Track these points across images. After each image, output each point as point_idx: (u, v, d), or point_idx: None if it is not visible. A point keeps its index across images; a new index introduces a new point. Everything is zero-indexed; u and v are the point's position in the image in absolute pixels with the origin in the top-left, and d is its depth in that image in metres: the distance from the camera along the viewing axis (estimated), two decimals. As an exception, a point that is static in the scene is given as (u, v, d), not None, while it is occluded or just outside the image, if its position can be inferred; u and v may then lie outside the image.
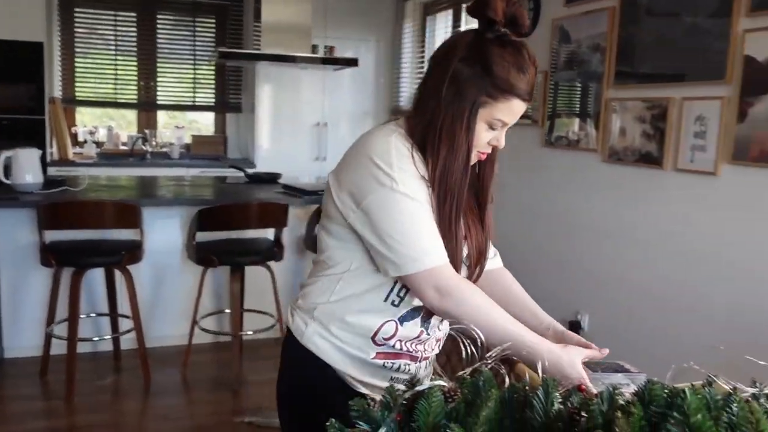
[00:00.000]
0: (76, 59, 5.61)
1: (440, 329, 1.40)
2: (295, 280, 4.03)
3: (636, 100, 3.16)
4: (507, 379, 1.22)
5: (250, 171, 4.55)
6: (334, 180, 1.29)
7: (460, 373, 1.22)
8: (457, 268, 1.28)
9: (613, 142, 3.30)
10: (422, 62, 5.52)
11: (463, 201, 1.28)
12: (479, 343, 1.29)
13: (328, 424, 1.05)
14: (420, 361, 1.39)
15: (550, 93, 3.82)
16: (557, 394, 1.08)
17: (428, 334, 1.36)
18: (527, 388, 1.13)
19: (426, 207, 1.23)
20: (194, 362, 3.60)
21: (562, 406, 1.06)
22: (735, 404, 1.07)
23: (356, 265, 1.30)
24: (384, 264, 1.24)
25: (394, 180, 1.20)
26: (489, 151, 1.30)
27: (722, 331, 2.69)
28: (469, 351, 1.29)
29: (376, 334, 1.33)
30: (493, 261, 1.48)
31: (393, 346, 1.34)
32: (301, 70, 5.44)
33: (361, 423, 1.06)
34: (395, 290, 1.31)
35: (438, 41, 5.38)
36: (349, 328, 1.32)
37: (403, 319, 1.34)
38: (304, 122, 5.68)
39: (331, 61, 4.89)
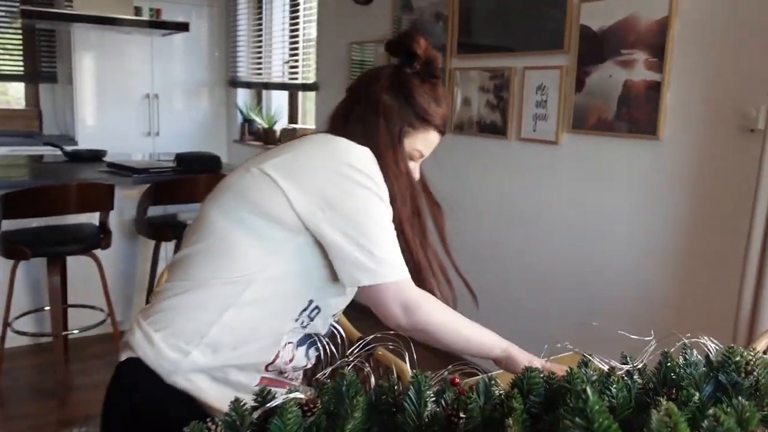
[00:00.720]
0: None
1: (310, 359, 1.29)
2: (126, 268, 3.65)
3: (479, 70, 3.15)
4: (372, 378, 1.08)
5: (69, 148, 4.04)
6: (289, 182, 1.10)
7: (318, 375, 1.06)
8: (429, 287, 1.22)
9: (457, 112, 3.28)
10: (260, 32, 5.22)
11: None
12: (339, 340, 1.15)
13: None
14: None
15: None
16: (430, 393, 0.96)
17: (308, 364, 1.26)
18: (396, 388, 0.99)
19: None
20: (8, 369, 3.14)
21: (437, 408, 0.94)
22: (614, 386, 1.02)
23: (274, 272, 1.12)
24: (353, 270, 1.11)
25: (378, 185, 1.13)
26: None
27: (567, 299, 2.78)
28: (328, 351, 1.14)
29: (275, 360, 1.18)
30: None
31: (282, 373, 1.21)
32: (125, 35, 4.94)
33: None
34: (309, 308, 1.18)
35: (276, 10, 5.10)
36: (245, 354, 1.14)
37: (299, 344, 1.21)
38: (133, 94, 5.18)
39: (158, 24, 4.46)
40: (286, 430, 0.84)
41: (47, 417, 2.76)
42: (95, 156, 3.94)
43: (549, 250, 2.86)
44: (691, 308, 2.31)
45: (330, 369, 1.13)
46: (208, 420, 0.90)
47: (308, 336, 1.22)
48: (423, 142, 1.26)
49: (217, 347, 1.13)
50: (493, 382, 1.01)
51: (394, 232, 1.14)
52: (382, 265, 1.10)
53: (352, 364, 1.03)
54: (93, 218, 3.37)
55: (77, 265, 3.28)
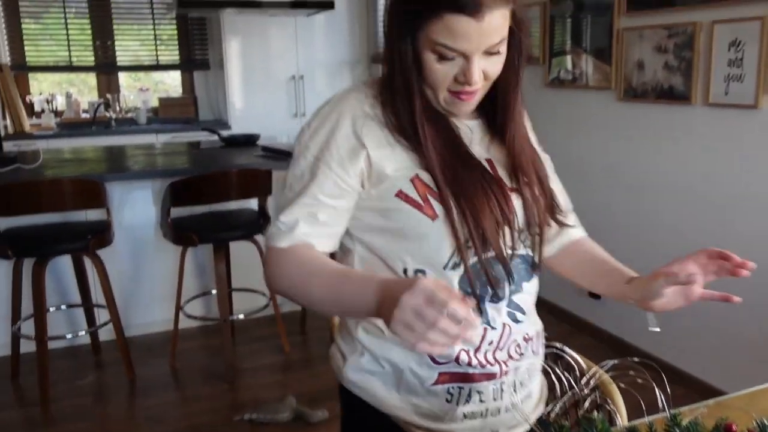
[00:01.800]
0: (23, 22, 5.08)
1: (510, 317, 1.04)
2: (285, 251, 3.69)
3: (654, 28, 2.80)
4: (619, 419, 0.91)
5: (225, 134, 4.15)
6: None
7: (549, 410, 0.90)
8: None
9: (629, 77, 2.96)
10: (402, 2, 5.07)
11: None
12: (575, 367, 0.99)
13: None
14: (499, 378, 1.04)
15: (553, 26, 3.44)
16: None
17: (494, 328, 1.03)
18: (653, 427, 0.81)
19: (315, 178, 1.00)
20: (182, 351, 3.28)
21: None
22: None
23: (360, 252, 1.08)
24: None
25: (306, 139, 1.03)
26: (466, 89, 0.97)
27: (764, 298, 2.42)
28: (558, 380, 0.97)
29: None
30: (569, 233, 1.21)
31: (458, 361, 1.01)
32: (270, 17, 4.98)
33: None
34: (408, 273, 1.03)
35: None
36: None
37: None
38: (279, 76, 5.24)
39: (302, 4, 4.45)
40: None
41: (220, 400, 2.85)
42: (249, 140, 4.01)
43: (744, 240, 2.50)
44: None
45: (562, 400, 0.97)
46: None
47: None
48: (443, 32, 0.91)
49: (367, 345, 1.06)
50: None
51: (296, 193, 1.01)
52: (269, 228, 1.02)
53: (587, 398, 0.86)
54: (252, 203, 3.43)
55: (239, 250, 3.35)
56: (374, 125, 1.00)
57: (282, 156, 3.37)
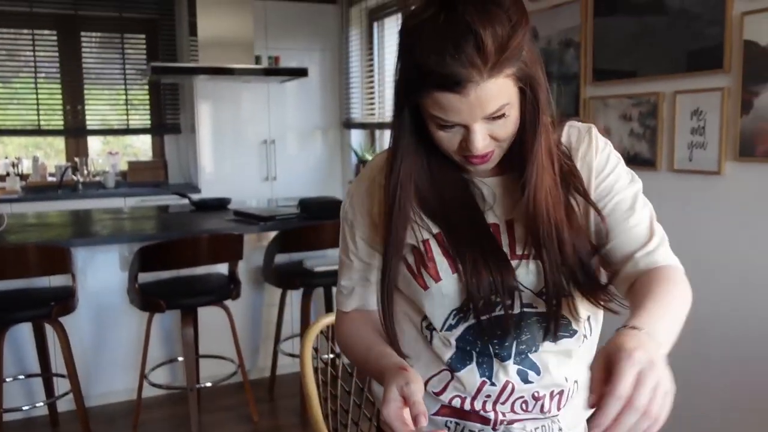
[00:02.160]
0: (-9, 85, 5.07)
1: (519, 375, 1.02)
2: (254, 317, 3.63)
3: (619, 97, 2.90)
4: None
5: (195, 197, 4.12)
6: None
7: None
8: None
9: (596, 143, 3.03)
10: (371, 70, 5.20)
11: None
12: None
13: None
14: (499, 426, 1.04)
15: (519, 95, 3.54)
16: None
17: (494, 384, 1.02)
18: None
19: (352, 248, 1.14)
20: (145, 421, 3.16)
21: None
22: None
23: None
24: None
25: (345, 210, 1.16)
26: (473, 154, 0.95)
27: (725, 359, 2.44)
28: None
29: (426, 383, 1.07)
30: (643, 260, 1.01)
31: (450, 404, 1.05)
32: (243, 84, 5.05)
33: None
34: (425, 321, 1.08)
35: (387, 47, 5.07)
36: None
37: (454, 366, 1.04)
38: (250, 140, 5.27)
39: (276, 72, 4.52)
40: None
41: (184, 474, 2.72)
42: (220, 204, 3.98)
43: (705, 301, 2.53)
44: None
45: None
46: None
47: (462, 351, 1.03)
48: (434, 106, 0.91)
49: None
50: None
51: (347, 259, 1.14)
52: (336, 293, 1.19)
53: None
54: (220, 267, 3.38)
55: (208, 315, 3.28)
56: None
57: (253, 220, 3.35)
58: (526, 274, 1.01)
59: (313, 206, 3.45)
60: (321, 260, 3.36)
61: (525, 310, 1.01)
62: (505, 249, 1.01)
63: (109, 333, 3.32)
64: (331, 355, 1.81)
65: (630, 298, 0.95)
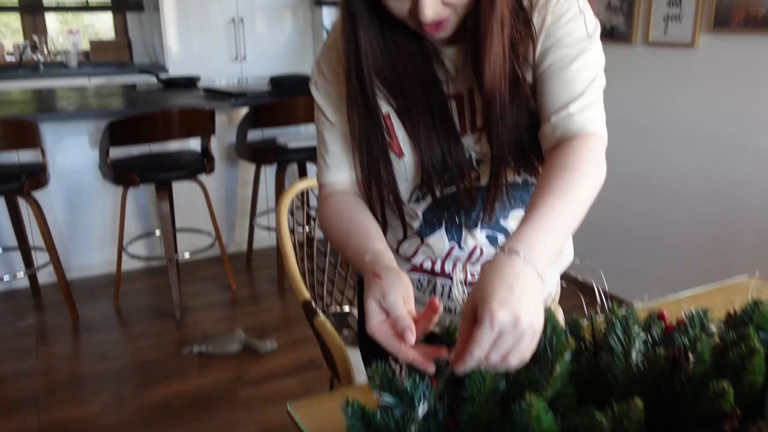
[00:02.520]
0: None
1: (489, 240, 1.07)
2: (228, 193, 3.69)
3: (593, -31, 2.87)
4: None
5: (163, 76, 4.04)
6: None
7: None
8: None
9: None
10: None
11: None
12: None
13: (342, 404, 0.79)
14: (467, 285, 1.10)
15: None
16: (638, 329, 0.82)
17: (462, 249, 1.07)
18: (595, 322, 0.88)
19: (328, 118, 1.05)
20: (126, 292, 3.27)
21: (644, 345, 0.82)
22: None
23: None
24: None
25: (314, 86, 1.06)
26: (424, 22, 0.88)
27: (699, 221, 2.59)
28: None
29: (398, 248, 1.11)
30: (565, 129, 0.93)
31: (422, 267, 1.10)
32: (207, -43, 4.82)
33: (386, 396, 0.80)
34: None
35: None
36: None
37: (423, 233, 1.08)
38: (217, 19, 5.10)
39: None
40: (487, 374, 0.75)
41: (167, 336, 2.86)
42: (189, 82, 3.92)
43: (680, 168, 2.65)
44: None
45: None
46: (390, 360, 0.83)
47: (431, 219, 1.07)
48: None
49: None
50: (706, 315, 0.89)
51: (325, 131, 1.05)
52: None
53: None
54: (194, 145, 3.39)
55: (182, 191, 3.33)
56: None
57: (225, 97, 3.33)
58: (482, 146, 1.00)
59: (284, 82, 3.43)
60: (294, 136, 3.39)
61: (484, 182, 1.02)
62: (466, 121, 1.00)
63: (84, 209, 3.36)
64: (306, 229, 1.89)
65: (536, 188, 0.87)
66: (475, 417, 0.73)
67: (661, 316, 0.90)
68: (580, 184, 0.85)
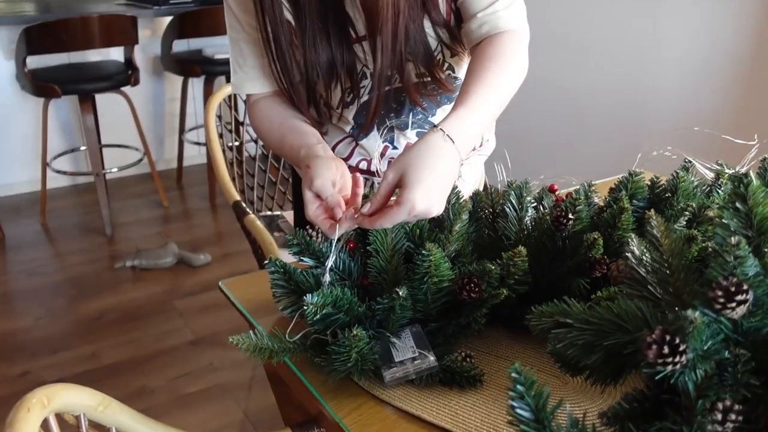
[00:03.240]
0: None
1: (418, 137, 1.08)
2: (156, 108, 3.59)
3: None
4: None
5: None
6: None
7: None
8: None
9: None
10: None
11: None
12: None
13: (266, 261, 0.84)
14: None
15: None
16: (530, 198, 0.92)
17: (396, 148, 1.12)
18: (493, 194, 0.96)
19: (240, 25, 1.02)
20: (53, 209, 3.20)
21: (536, 212, 0.90)
22: (722, 188, 0.98)
23: None
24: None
25: None
26: None
27: (607, 132, 2.70)
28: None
29: (334, 149, 1.13)
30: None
31: (357, 167, 1.13)
32: None
33: (304, 258, 0.86)
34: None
35: None
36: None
37: (356, 136, 1.11)
38: None
39: None
40: (388, 230, 0.81)
41: (99, 252, 2.84)
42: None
43: (586, 78, 2.73)
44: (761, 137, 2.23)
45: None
46: (308, 228, 0.88)
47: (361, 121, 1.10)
48: None
49: None
50: (591, 189, 0.97)
51: (242, 36, 1.02)
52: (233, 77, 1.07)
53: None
54: (116, 56, 3.26)
55: (107, 104, 3.22)
56: None
57: (146, 4, 3.19)
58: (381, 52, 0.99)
59: (210, -10, 3.30)
60: (221, 48, 3.30)
61: (397, 85, 1.04)
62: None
63: (3, 124, 3.21)
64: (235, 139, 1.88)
65: (464, 78, 0.94)
66: (381, 269, 0.80)
67: (551, 189, 0.98)
68: (506, 74, 0.93)
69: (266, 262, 0.83)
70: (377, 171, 1.12)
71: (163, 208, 3.26)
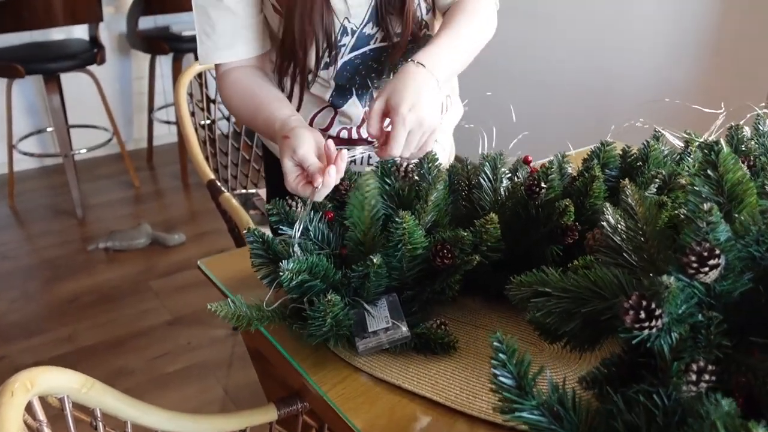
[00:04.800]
0: None
1: None
2: (123, 86, 3.52)
3: None
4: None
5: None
6: None
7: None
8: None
9: None
10: None
11: None
12: None
13: (245, 231, 0.85)
14: None
15: None
16: (504, 170, 0.93)
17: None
18: (469, 166, 0.97)
19: None
20: (22, 192, 3.14)
21: (510, 183, 0.92)
22: (691, 156, 0.99)
23: None
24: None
25: None
26: None
27: (576, 109, 2.72)
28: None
29: (311, 121, 1.12)
30: None
31: (338, 136, 1.12)
32: None
33: (283, 228, 0.86)
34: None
35: None
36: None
37: (336, 103, 1.10)
38: None
39: None
40: (365, 198, 0.81)
41: (70, 234, 2.80)
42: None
43: (555, 50, 2.74)
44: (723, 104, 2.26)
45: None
46: (287, 198, 0.88)
47: (341, 89, 1.09)
48: None
49: None
50: (565, 159, 0.99)
51: (205, 14, 1.00)
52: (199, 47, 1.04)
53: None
54: (80, 34, 3.18)
55: (73, 84, 3.15)
56: None
57: (110, -21, 3.11)
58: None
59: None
60: (188, 24, 3.24)
61: (378, 45, 1.04)
62: None
63: (-35, 106, 3.13)
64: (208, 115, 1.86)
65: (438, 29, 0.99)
66: (358, 242, 0.81)
67: (526, 161, 0.99)
68: (476, 25, 0.99)
69: (245, 231, 0.83)
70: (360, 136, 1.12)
71: (134, 188, 3.22)
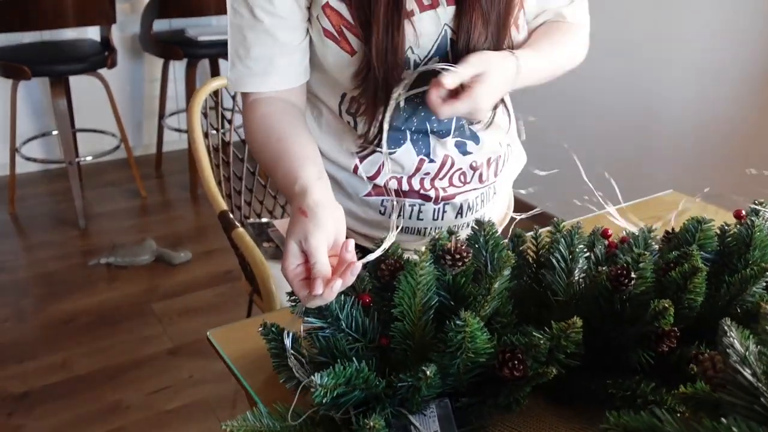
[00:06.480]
0: None
1: (458, 148, 0.96)
2: (134, 90, 3.38)
3: None
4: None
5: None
6: None
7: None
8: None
9: None
10: None
11: None
12: None
13: (259, 328, 0.70)
14: (440, 203, 1.00)
15: None
16: (582, 246, 0.78)
17: (433, 161, 0.96)
18: (538, 239, 0.82)
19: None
20: (23, 198, 3.01)
21: (587, 262, 0.76)
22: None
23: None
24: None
25: None
26: None
27: (620, 124, 2.56)
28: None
29: (355, 170, 0.98)
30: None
31: (386, 187, 0.97)
32: None
33: (308, 318, 0.71)
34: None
35: None
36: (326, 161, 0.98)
37: (388, 148, 0.93)
38: None
39: None
40: (418, 285, 0.67)
41: (71, 246, 2.66)
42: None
43: (598, 78, 2.59)
44: None
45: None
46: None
47: (395, 131, 0.94)
48: None
49: None
50: (651, 233, 0.83)
51: (241, 34, 0.86)
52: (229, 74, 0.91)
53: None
54: (92, 35, 3.05)
55: (81, 87, 3.02)
56: None
57: (125, -21, 2.98)
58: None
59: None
60: (205, 29, 3.11)
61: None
62: None
63: (-32, 104, 3.01)
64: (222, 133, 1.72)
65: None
66: (407, 334, 0.67)
67: (605, 234, 0.85)
68: (568, 45, 0.97)
69: (259, 329, 0.69)
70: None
71: (140, 197, 3.08)
